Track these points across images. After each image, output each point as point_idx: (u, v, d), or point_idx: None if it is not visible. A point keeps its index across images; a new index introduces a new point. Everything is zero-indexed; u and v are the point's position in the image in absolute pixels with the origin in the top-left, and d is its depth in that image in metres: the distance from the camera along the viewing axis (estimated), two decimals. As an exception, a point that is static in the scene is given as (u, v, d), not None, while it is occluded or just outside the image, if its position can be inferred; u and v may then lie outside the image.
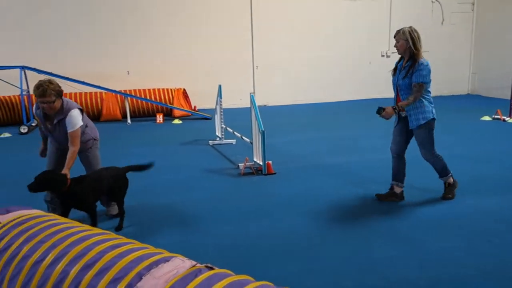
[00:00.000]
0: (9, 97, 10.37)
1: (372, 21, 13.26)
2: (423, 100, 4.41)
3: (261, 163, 5.83)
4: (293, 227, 4.08)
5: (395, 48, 4.49)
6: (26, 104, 9.78)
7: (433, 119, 4.46)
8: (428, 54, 13.53)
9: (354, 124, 9.50)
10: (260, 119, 5.75)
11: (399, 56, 4.53)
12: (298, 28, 12.66)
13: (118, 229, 4.08)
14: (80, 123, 4.08)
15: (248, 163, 5.91)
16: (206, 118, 10.58)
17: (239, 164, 6.04)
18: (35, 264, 2.23)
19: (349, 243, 3.71)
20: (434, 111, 4.49)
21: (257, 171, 5.87)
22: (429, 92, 4.48)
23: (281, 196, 4.94)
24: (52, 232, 2.43)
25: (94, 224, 3.93)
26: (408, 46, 4.35)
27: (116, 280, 1.99)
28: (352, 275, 3.19)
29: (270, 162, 5.82)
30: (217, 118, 7.82)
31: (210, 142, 7.68)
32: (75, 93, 10.50)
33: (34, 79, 10.13)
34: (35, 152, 6.96)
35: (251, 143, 6.18)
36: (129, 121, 10.27)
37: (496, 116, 9.48)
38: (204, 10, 11.99)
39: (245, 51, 12.41)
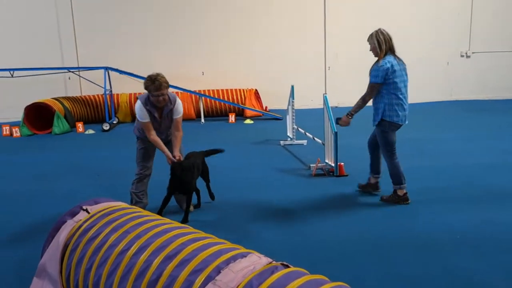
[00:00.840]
0: (93, 96, 11.08)
1: (450, 21, 12.65)
2: (386, 101, 4.45)
3: (333, 165, 5.77)
4: (366, 231, 4.00)
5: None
6: (109, 103, 10.38)
7: (390, 122, 4.46)
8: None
9: (430, 127, 9.13)
10: (333, 120, 5.69)
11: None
12: (371, 29, 12.35)
13: (184, 221, 4.20)
14: (182, 110, 4.42)
15: (320, 164, 5.87)
16: (277, 119, 10.64)
17: (311, 165, 6.02)
18: (121, 253, 2.37)
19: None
20: (400, 114, 4.44)
21: (328, 172, 5.81)
22: (399, 95, 4.44)
23: (352, 198, 4.86)
24: (136, 223, 2.58)
25: (188, 207, 4.33)
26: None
27: (196, 272, 2.07)
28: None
29: (343, 163, 5.74)
30: (289, 118, 7.84)
31: (281, 142, 7.71)
32: (153, 93, 10.98)
33: (116, 79, 10.84)
34: (116, 148, 7.35)
35: (323, 144, 6.14)
36: (202, 120, 10.58)
37: None
38: (277, 13, 12.06)
39: (317, 52, 12.33)
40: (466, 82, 13.04)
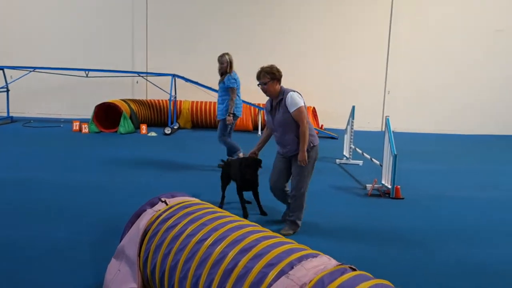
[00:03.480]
0: (158, 100, 11.62)
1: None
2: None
3: (389, 186, 5.81)
4: (428, 255, 4.03)
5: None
6: (172, 108, 10.86)
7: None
8: None
9: (490, 160, 8.92)
10: (394, 143, 5.75)
11: None
12: (434, 58, 12.27)
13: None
14: (302, 103, 4.13)
15: (376, 185, 5.93)
16: (332, 137, 10.73)
17: (367, 185, 6.09)
18: (199, 242, 2.58)
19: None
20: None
21: (384, 194, 5.86)
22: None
23: (406, 221, 4.89)
24: (212, 217, 2.79)
25: (257, 200, 4.75)
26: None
27: (270, 265, 2.24)
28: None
29: (399, 186, 5.77)
30: (347, 138, 7.92)
31: (337, 161, 7.81)
32: (214, 102, 11.39)
33: (180, 87, 11.33)
34: (175, 151, 7.69)
35: (381, 165, 6.19)
36: (259, 132, 10.84)
37: None
38: (341, 34, 12.23)
39: (378, 76, 12.36)
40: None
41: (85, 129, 10.07)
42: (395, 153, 5.65)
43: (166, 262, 2.67)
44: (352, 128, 7.72)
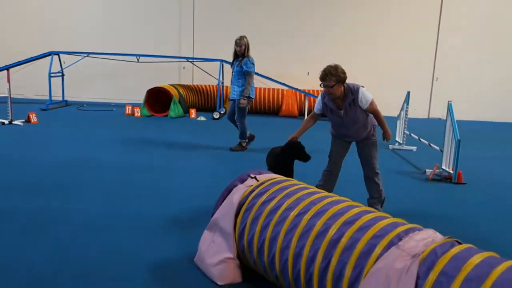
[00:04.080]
0: (204, 86, 11.81)
1: None
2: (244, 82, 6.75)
3: (449, 171, 5.80)
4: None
5: None
6: (220, 93, 11.03)
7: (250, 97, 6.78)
8: None
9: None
10: (457, 128, 5.73)
11: None
12: (485, 47, 11.99)
13: None
14: (371, 96, 4.18)
15: (437, 170, 5.93)
16: (380, 124, 10.67)
17: (426, 170, 6.10)
18: (299, 215, 2.70)
19: None
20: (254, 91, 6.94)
21: (445, 178, 5.86)
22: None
23: (471, 205, 4.89)
24: (307, 193, 2.91)
25: None
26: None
27: (377, 237, 2.34)
28: None
29: (461, 171, 5.76)
30: (400, 123, 7.91)
31: (390, 146, 7.81)
32: (261, 88, 11.51)
33: (227, 72, 11.46)
34: (227, 134, 7.81)
35: (441, 150, 6.18)
36: (306, 117, 10.88)
37: None
38: (390, 19, 12.08)
39: (427, 62, 12.18)
40: None
41: (137, 113, 10.36)
42: (459, 138, 5.63)
43: (265, 234, 2.80)
44: (406, 114, 7.69)
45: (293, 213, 2.74)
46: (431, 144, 6.72)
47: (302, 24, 12.29)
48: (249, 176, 3.27)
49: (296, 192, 2.93)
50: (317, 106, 4.39)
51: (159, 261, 3.28)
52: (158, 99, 10.79)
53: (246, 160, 6.53)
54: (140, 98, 10.81)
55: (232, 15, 12.29)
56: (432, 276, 2.03)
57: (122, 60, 11.44)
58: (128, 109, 10.49)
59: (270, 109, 11.57)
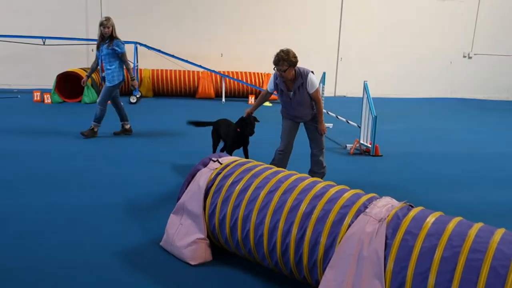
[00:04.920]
0: (117, 69, 11.44)
1: (457, 22, 13.45)
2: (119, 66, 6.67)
3: (368, 145, 6.43)
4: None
5: None
6: (137, 76, 10.77)
7: (120, 82, 6.77)
8: (510, 57, 13.60)
9: (439, 118, 9.92)
10: (373, 106, 6.34)
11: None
12: (383, 25, 13.05)
13: None
14: (317, 83, 4.59)
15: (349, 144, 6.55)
16: (294, 103, 11.24)
17: (347, 145, 6.68)
18: (270, 193, 2.95)
19: None
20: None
21: (364, 152, 6.48)
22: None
23: (387, 173, 5.53)
24: (272, 172, 3.16)
25: (247, 156, 5.13)
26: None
27: (345, 207, 2.68)
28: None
29: (378, 145, 6.41)
30: (317, 102, 8.45)
31: (308, 124, 8.33)
32: (176, 70, 11.45)
33: (144, 54, 11.21)
34: (149, 118, 7.77)
35: (359, 126, 6.79)
36: (223, 100, 11.10)
37: None
38: (297, 2, 12.59)
39: (331, 44, 12.96)
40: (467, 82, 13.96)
41: (48, 99, 9.78)
42: (375, 114, 6.24)
43: (237, 212, 3.01)
44: (322, 94, 8.23)
45: (263, 192, 2.98)
46: (349, 121, 7.33)
47: (213, 4, 12.34)
48: (211, 160, 3.43)
49: (262, 172, 3.17)
50: (269, 85, 4.72)
51: (125, 249, 3.34)
52: (68, 84, 10.26)
53: (178, 140, 6.61)
54: (46, 83, 10.20)
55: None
56: (399, 235, 2.41)
57: (24, 43, 10.64)
58: (37, 96, 9.86)
59: (186, 92, 11.58)
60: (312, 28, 12.75)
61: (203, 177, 3.30)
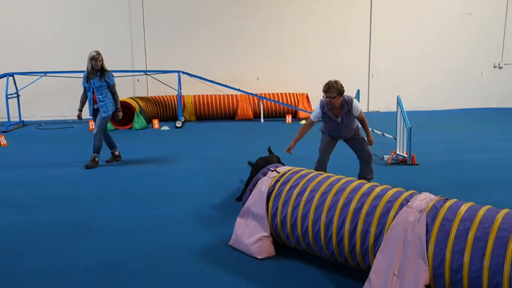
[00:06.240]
0: (162, 96, 12.28)
1: (485, 34, 13.76)
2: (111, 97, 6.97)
3: (404, 155, 6.87)
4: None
5: None
6: (180, 103, 11.55)
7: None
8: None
9: (473, 128, 10.22)
10: (407, 118, 6.80)
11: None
12: (412, 40, 13.48)
13: None
14: (360, 107, 5.20)
15: (394, 155, 6.98)
16: (329, 120, 11.74)
17: (384, 156, 7.13)
18: (324, 193, 3.48)
19: None
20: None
21: (401, 161, 6.91)
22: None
23: (432, 181, 5.94)
24: (324, 177, 3.69)
25: None
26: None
27: (390, 201, 3.18)
28: None
29: (414, 154, 6.83)
30: (353, 118, 8.95)
31: (345, 139, 8.82)
32: (215, 95, 12.19)
33: (186, 81, 12.00)
34: (199, 140, 8.34)
35: (395, 138, 7.24)
36: (262, 120, 11.73)
37: None
38: (327, 24, 13.22)
39: (362, 61, 13.48)
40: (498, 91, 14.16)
41: (101, 127, 10.62)
42: (409, 126, 6.69)
43: (297, 212, 3.56)
44: (358, 109, 8.72)
45: (318, 193, 3.52)
46: (385, 134, 7.79)
47: (248, 33, 13.10)
48: (269, 170, 4.00)
49: (315, 177, 3.71)
50: (315, 114, 5.23)
51: (200, 249, 3.92)
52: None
53: (233, 159, 7.22)
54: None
55: (181, 25, 12.84)
56: (437, 222, 2.90)
57: (76, 77, 11.61)
58: (92, 125, 10.72)
59: (227, 114, 12.28)
60: (343, 47, 13.30)
61: (264, 184, 3.87)
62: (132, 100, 11.26)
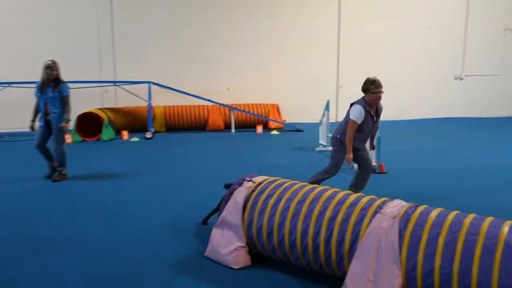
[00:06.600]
0: (131, 108, 12.16)
1: (447, 46, 14.30)
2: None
3: (374, 164, 7.03)
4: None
5: None
6: (148, 114, 11.48)
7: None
8: (498, 77, 14.52)
9: (435, 138, 10.57)
10: (375, 128, 6.98)
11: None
12: (379, 52, 13.88)
13: None
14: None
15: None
16: (298, 130, 11.90)
17: (354, 165, 7.28)
18: (300, 202, 3.54)
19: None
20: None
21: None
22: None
23: (392, 188, 6.12)
24: (300, 186, 3.76)
25: None
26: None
27: (364, 209, 3.27)
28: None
29: (382, 163, 7.02)
30: (323, 128, 9.11)
31: (316, 149, 8.97)
32: (186, 106, 12.17)
33: (156, 92, 11.93)
34: (169, 151, 8.29)
35: (364, 148, 7.40)
36: (233, 130, 11.78)
37: None
38: (295, 36, 13.44)
39: (331, 71, 13.76)
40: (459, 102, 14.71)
41: (69, 139, 10.43)
42: (379, 135, 6.87)
43: (273, 221, 3.60)
44: (328, 120, 8.90)
45: (294, 201, 3.57)
46: (354, 143, 7.95)
47: (217, 44, 13.17)
48: (244, 179, 4.04)
49: (290, 186, 3.77)
50: (359, 117, 5.00)
51: (176, 261, 3.91)
52: (86, 124, 10.94)
53: (201, 169, 7.21)
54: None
55: (151, 35, 12.79)
56: (409, 228, 3.00)
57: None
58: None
59: (197, 125, 12.26)
60: (312, 58, 13.56)
61: (240, 194, 3.90)
62: (100, 111, 11.11)
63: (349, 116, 5.09)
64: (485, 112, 14.78)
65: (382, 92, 5.00)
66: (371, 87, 4.98)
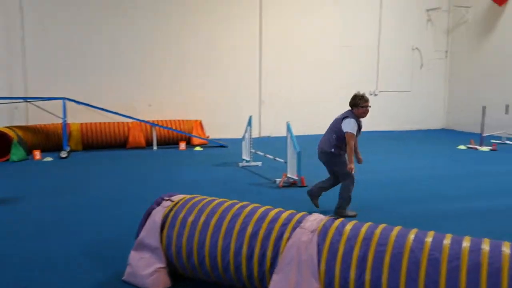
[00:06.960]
0: (44, 125, 11.44)
1: (362, 64, 15.10)
2: None
3: (295, 178, 7.18)
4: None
5: None
6: (63, 132, 10.86)
7: None
8: (409, 93, 15.57)
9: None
10: (296, 143, 7.14)
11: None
12: (298, 68, 14.30)
13: None
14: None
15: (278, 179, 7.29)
16: (222, 146, 11.87)
17: (276, 179, 7.39)
18: (219, 219, 3.49)
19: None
20: None
21: (292, 184, 7.21)
22: None
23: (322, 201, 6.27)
24: (218, 202, 3.71)
25: None
26: None
27: (284, 224, 3.29)
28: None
29: (304, 176, 7.17)
30: (246, 144, 9.14)
31: (240, 164, 8.98)
32: (105, 122, 11.70)
33: (73, 108, 11.31)
34: (75, 172, 7.92)
35: (285, 162, 7.54)
36: (155, 147, 11.47)
37: (470, 146, 11.40)
38: (218, 52, 13.47)
39: (252, 88, 13.94)
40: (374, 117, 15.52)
41: (-27, 160, 9.59)
42: (298, 150, 7.03)
43: (192, 240, 3.51)
44: (250, 135, 8.96)
45: (214, 218, 3.52)
46: (276, 158, 8.08)
47: (143, 56, 12.84)
48: (163, 199, 3.92)
49: (209, 203, 3.71)
50: (354, 128, 5.46)
51: (92, 285, 3.68)
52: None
53: (121, 188, 6.92)
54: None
55: (66, 48, 12.19)
56: (327, 241, 3.07)
57: None
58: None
59: (117, 142, 11.80)
60: (234, 74, 13.64)
61: (158, 214, 3.77)
62: (9, 130, 10.34)
63: (337, 130, 5.52)
64: (401, 125, 15.72)
65: (370, 106, 5.49)
66: (361, 102, 5.44)
